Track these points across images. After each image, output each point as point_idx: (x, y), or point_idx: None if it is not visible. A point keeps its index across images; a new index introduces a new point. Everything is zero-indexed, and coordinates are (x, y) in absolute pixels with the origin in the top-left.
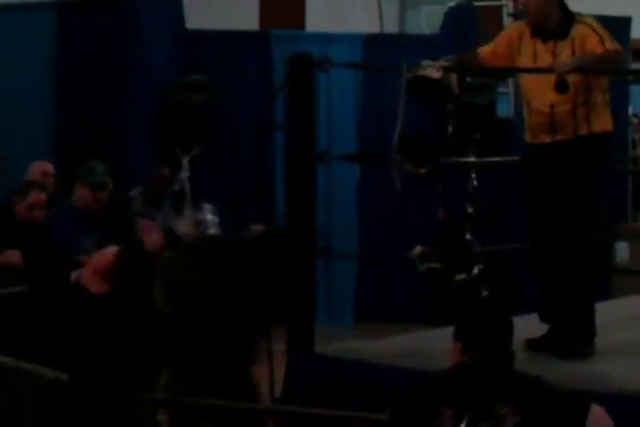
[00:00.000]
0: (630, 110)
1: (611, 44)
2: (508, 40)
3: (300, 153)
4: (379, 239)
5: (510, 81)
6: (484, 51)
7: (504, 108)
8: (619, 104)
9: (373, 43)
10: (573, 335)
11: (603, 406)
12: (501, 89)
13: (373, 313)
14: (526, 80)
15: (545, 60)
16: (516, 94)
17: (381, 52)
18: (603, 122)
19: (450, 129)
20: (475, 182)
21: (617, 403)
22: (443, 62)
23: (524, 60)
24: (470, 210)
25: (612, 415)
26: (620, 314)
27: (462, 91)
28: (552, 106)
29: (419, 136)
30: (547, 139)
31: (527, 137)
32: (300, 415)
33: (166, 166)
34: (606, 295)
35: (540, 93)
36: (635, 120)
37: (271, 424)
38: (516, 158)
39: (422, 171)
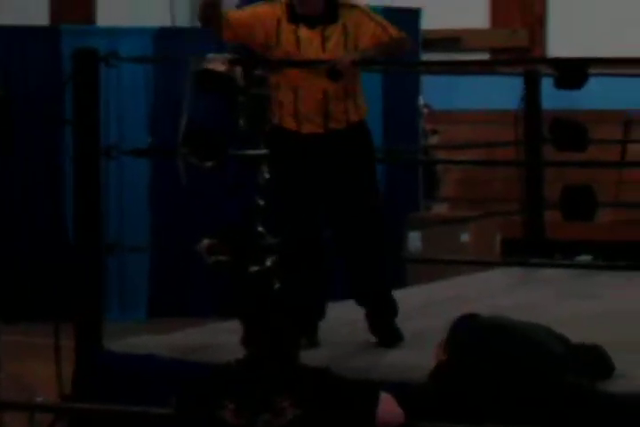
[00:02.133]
0: (421, 100)
1: (393, 30)
2: (260, 19)
3: (84, 148)
4: (171, 233)
5: None
6: (234, 16)
7: None
8: (409, 94)
9: (164, 36)
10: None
11: (392, 395)
12: None
13: (168, 308)
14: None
15: (313, 45)
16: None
17: (173, 46)
18: (364, 107)
19: (241, 121)
20: (266, 174)
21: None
22: (228, 55)
23: (288, 47)
24: (261, 202)
25: (401, 404)
26: (415, 302)
27: (248, 83)
28: (325, 93)
29: (205, 129)
30: (319, 129)
31: (290, 124)
32: (90, 412)
33: None
34: (401, 285)
35: (312, 81)
36: (425, 110)
37: (60, 422)
38: None
39: (208, 164)
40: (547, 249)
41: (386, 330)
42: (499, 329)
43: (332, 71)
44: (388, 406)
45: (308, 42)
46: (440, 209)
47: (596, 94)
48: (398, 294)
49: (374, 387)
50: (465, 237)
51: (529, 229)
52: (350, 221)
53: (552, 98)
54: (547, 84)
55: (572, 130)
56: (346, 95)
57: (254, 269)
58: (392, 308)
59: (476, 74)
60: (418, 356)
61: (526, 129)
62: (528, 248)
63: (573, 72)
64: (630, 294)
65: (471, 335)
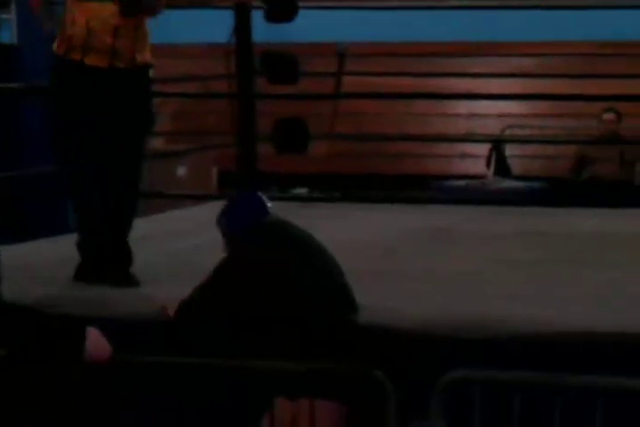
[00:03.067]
0: None
1: None
2: None
3: None
4: None
5: (13, 7)
6: None
7: (6, 35)
8: None
9: None
10: (118, 263)
11: (100, 330)
12: (3, 15)
13: None
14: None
15: None
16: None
17: None
18: (149, 52)
19: None
20: None
21: (117, 327)
22: None
23: None
24: None
25: (110, 339)
26: (130, 236)
27: None
28: (115, 29)
29: None
30: (103, 63)
31: (75, 56)
32: None
33: None
34: None
35: (101, 15)
36: None
37: None
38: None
39: None
40: (262, 182)
41: (120, 276)
42: (293, 243)
43: (126, 6)
44: (94, 340)
45: None
46: (156, 143)
47: (309, 27)
48: None
49: (80, 322)
50: (181, 171)
51: (242, 162)
52: (109, 168)
53: (265, 31)
54: (259, 18)
55: (282, 63)
56: (135, 34)
57: None
58: (129, 254)
59: (188, 7)
60: (134, 291)
61: (238, 62)
62: (242, 181)
63: (283, 5)
64: (345, 225)
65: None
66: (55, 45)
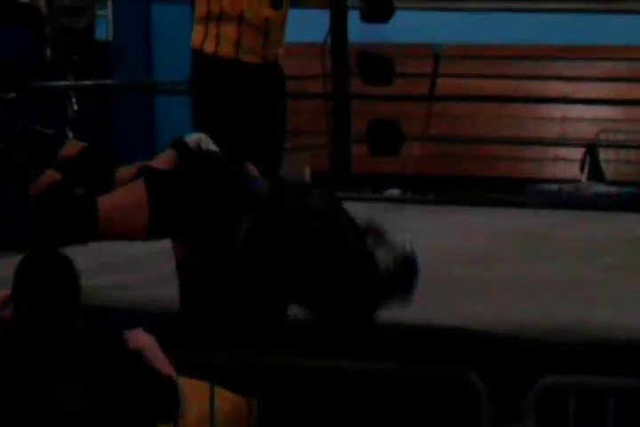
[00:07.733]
0: None
1: None
2: None
3: None
4: None
5: (109, 3)
6: None
7: (103, 32)
8: None
9: None
10: None
11: None
12: (100, 12)
13: None
14: None
15: None
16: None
17: None
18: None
19: (48, 52)
20: (75, 106)
21: None
22: None
23: None
24: (71, 134)
25: None
26: None
27: (56, 13)
28: (267, 22)
29: (8, 60)
30: (257, 59)
31: (228, 53)
32: None
33: None
34: None
35: (256, 8)
36: None
37: None
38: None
39: (11, 95)
40: (354, 183)
41: None
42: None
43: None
44: None
45: None
46: None
47: (406, 28)
48: None
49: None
50: None
51: (336, 163)
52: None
53: (361, 32)
54: (356, 18)
55: (378, 63)
56: (282, 26)
57: None
58: None
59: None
60: None
61: (333, 62)
62: (335, 182)
63: (380, 5)
64: (436, 228)
65: None
66: (197, 43)
